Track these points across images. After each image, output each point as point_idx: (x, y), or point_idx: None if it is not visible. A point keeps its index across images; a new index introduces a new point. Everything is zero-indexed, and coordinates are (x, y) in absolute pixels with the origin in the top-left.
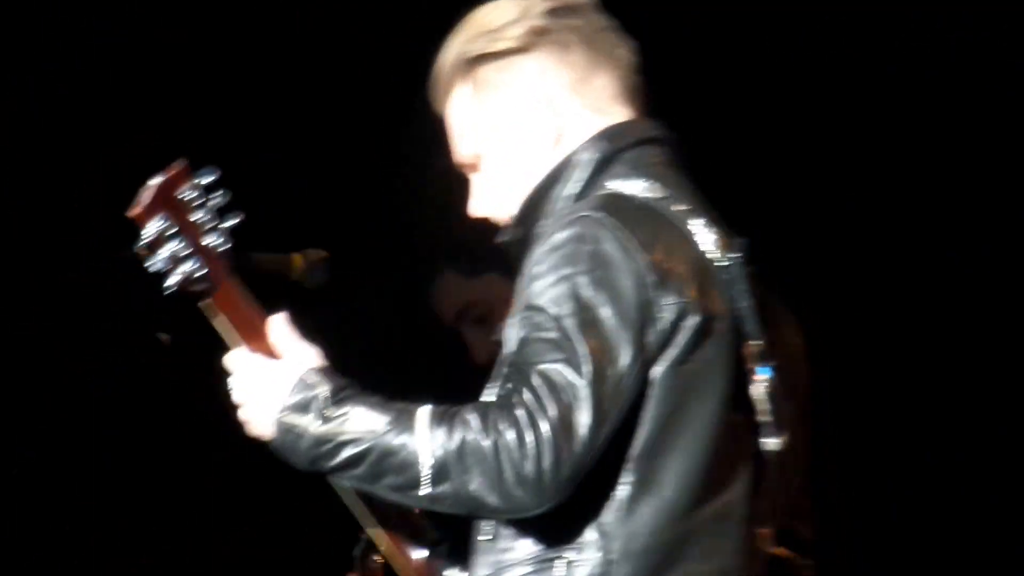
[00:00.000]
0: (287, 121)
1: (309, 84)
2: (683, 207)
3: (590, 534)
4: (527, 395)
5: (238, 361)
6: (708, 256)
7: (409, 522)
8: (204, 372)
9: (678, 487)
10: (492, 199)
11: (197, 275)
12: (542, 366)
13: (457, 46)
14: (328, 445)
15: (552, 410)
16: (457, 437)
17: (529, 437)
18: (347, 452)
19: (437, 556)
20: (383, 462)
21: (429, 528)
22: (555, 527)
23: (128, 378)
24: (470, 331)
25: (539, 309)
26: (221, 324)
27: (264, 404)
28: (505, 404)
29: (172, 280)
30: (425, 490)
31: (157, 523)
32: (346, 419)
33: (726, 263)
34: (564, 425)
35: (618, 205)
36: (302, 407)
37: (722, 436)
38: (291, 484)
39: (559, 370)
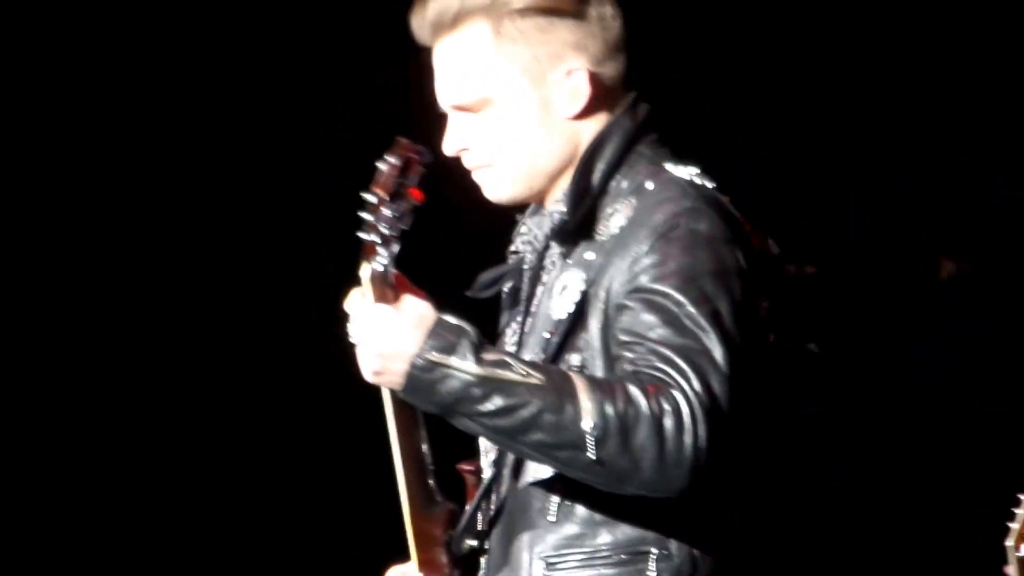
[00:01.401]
0: None
1: None
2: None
3: (682, 527)
4: (683, 380)
5: (365, 305)
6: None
7: (423, 482)
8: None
9: (741, 481)
10: (514, 176)
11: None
12: (690, 354)
13: None
14: (480, 389)
15: (706, 398)
16: (622, 408)
17: (689, 421)
18: (500, 400)
19: (443, 518)
20: (539, 418)
21: (436, 491)
22: (649, 517)
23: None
24: None
25: (665, 294)
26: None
27: (399, 342)
28: (661, 384)
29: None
30: (588, 453)
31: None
32: (502, 366)
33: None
34: (715, 413)
35: (706, 195)
36: (449, 347)
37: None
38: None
39: (706, 360)
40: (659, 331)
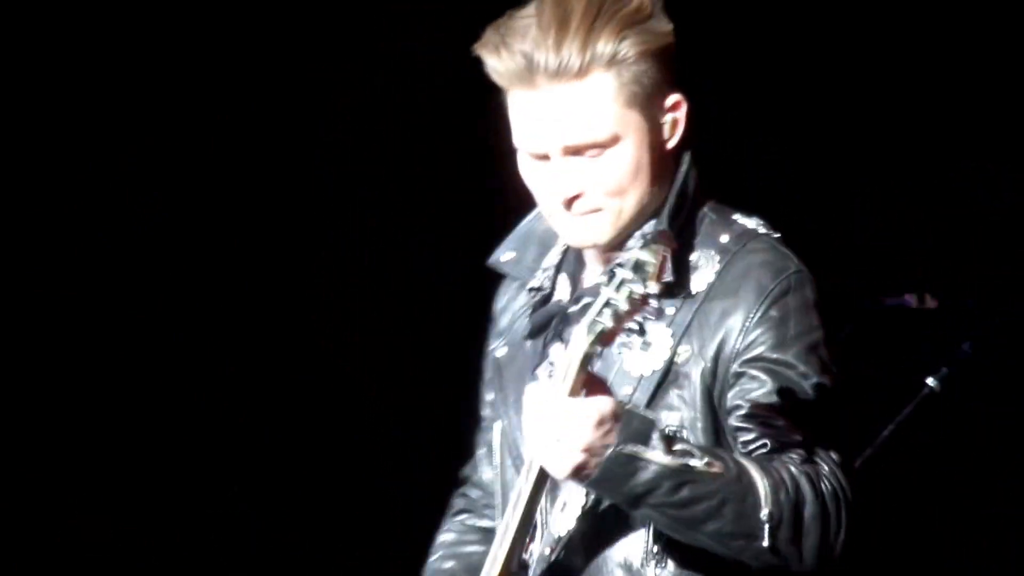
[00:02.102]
0: None
1: None
2: None
3: None
4: (828, 465)
5: (562, 400)
6: None
7: (519, 550)
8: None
9: None
10: (626, 215)
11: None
12: (826, 434)
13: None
14: (671, 481)
15: (846, 482)
16: (792, 496)
17: (844, 505)
18: (688, 492)
19: None
20: (723, 508)
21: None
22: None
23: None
24: None
25: (790, 364)
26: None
27: (603, 437)
28: (813, 469)
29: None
30: (763, 542)
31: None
32: (688, 455)
33: None
34: (853, 494)
35: (796, 256)
36: (643, 438)
37: None
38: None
39: (837, 438)
40: (790, 406)
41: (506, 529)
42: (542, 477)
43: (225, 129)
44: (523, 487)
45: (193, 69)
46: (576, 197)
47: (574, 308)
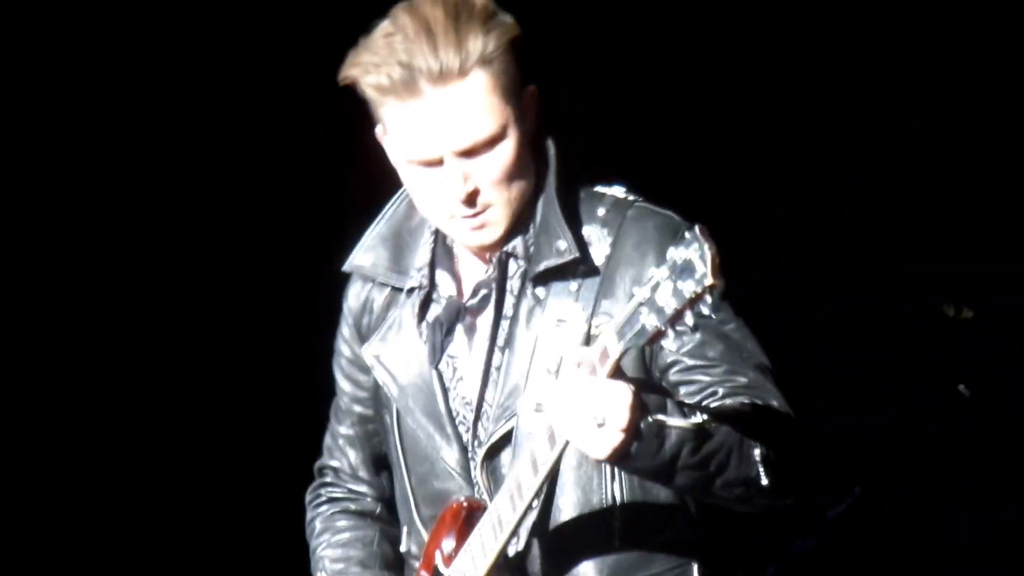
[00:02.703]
0: None
1: None
2: None
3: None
4: (778, 399)
5: (600, 381)
6: None
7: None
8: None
9: None
10: (515, 206)
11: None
12: (761, 368)
13: (483, 31)
14: (692, 442)
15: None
16: (772, 430)
17: (802, 432)
18: (706, 449)
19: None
20: (730, 457)
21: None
22: (697, 540)
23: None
24: None
25: (708, 316)
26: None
27: (637, 413)
28: (773, 405)
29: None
30: (763, 480)
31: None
32: (697, 415)
33: None
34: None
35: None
36: (661, 406)
37: None
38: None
39: (768, 373)
40: (722, 351)
41: (499, 521)
42: (555, 469)
43: (225, 129)
44: (527, 480)
45: (193, 69)
46: (474, 194)
47: (472, 301)
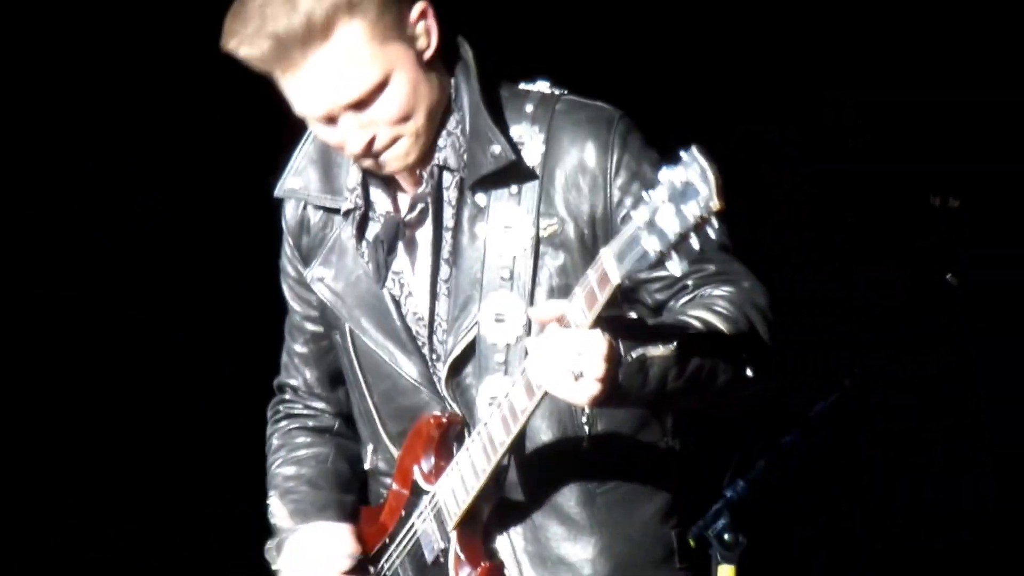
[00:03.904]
0: None
1: None
2: None
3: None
4: (748, 281)
5: (591, 335)
6: None
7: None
8: None
9: None
10: (421, 134)
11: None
12: (723, 254)
13: None
14: (677, 366)
15: (761, 287)
16: (747, 321)
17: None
18: (692, 364)
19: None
20: (717, 361)
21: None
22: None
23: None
24: None
25: None
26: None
27: (609, 368)
28: (742, 291)
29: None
30: (746, 372)
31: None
32: (675, 331)
33: None
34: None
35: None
36: (639, 337)
37: None
38: None
39: (731, 256)
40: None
41: (491, 441)
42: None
43: (225, 129)
44: (520, 404)
45: (193, 69)
46: (371, 141)
47: (411, 216)
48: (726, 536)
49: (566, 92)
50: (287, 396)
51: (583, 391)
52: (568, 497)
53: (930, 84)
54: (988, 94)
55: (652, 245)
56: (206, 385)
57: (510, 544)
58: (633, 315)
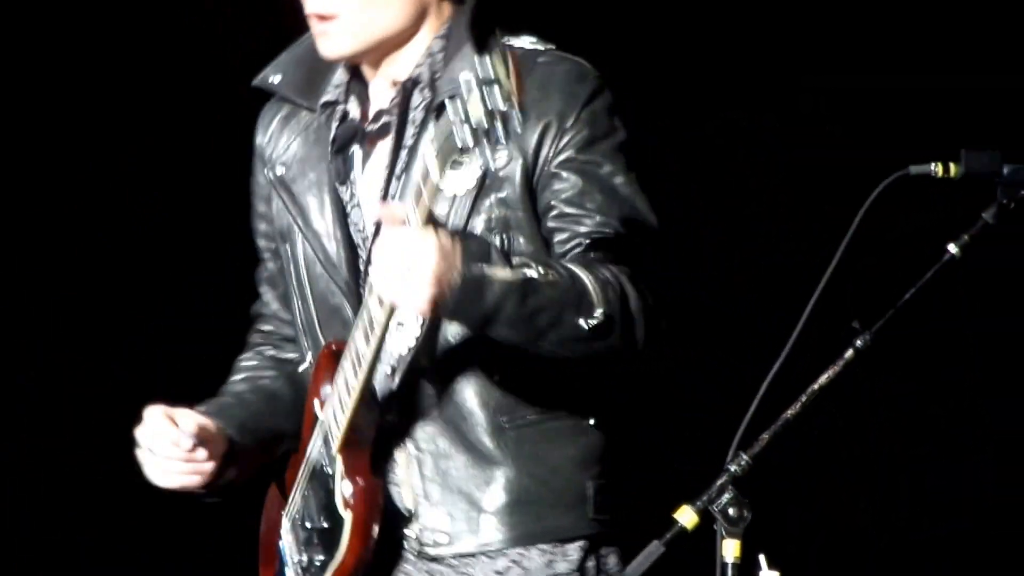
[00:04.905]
0: None
1: None
2: None
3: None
4: (639, 264)
5: (423, 235)
6: None
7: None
8: None
9: None
10: (356, 29)
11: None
12: (633, 227)
13: None
14: (517, 293)
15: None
16: (619, 291)
17: (653, 301)
18: (533, 301)
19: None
20: (564, 313)
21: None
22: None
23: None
24: None
25: (598, 163)
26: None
27: (451, 261)
28: (623, 264)
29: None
30: (602, 339)
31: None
32: (527, 267)
33: None
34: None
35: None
36: (484, 256)
37: None
38: None
39: (643, 228)
40: (599, 202)
41: (358, 357)
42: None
43: (225, 129)
44: (376, 315)
45: (193, 69)
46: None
47: (373, 127)
48: (731, 511)
49: (552, 47)
50: (264, 326)
51: (412, 293)
52: (475, 426)
53: (908, 70)
54: (968, 80)
55: (462, 135)
56: (206, 385)
57: (417, 469)
58: (490, 239)
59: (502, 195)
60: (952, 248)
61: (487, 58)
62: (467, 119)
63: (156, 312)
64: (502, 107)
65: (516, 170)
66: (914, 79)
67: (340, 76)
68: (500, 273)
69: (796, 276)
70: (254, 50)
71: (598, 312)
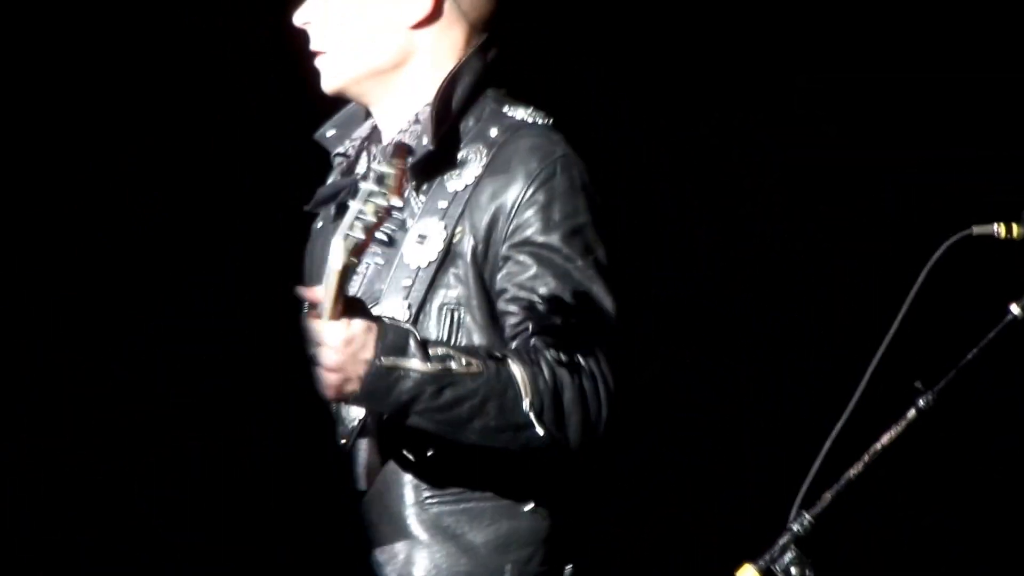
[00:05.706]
0: None
1: None
2: None
3: (558, 486)
4: (586, 350)
5: (325, 325)
6: None
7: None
8: None
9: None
10: (341, 65)
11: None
12: (587, 315)
13: None
14: (432, 386)
15: (605, 368)
16: (550, 383)
17: (601, 391)
18: (450, 394)
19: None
20: (486, 405)
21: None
22: (525, 475)
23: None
24: None
25: (554, 248)
26: (338, 282)
27: (358, 353)
28: (574, 358)
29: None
30: (529, 431)
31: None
32: (447, 359)
33: None
34: (617, 383)
35: (565, 140)
36: (400, 349)
37: None
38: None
39: (600, 318)
40: (552, 290)
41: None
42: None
43: (225, 129)
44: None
45: (193, 69)
46: (306, 25)
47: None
48: (793, 570)
49: (541, 122)
50: None
51: (318, 380)
52: (399, 499)
53: (903, 69)
54: (964, 79)
55: (356, 231)
56: (205, 385)
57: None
58: (412, 328)
59: (458, 271)
60: (1015, 309)
61: (382, 163)
62: (362, 216)
63: (156, 312)
64: (383, 208)
65: (467, 248)
66: (909, 78)
67: (364, 129)
68: (415, 364)
69: (791, 276)
70: (254, 50)
71: (524, 403)
